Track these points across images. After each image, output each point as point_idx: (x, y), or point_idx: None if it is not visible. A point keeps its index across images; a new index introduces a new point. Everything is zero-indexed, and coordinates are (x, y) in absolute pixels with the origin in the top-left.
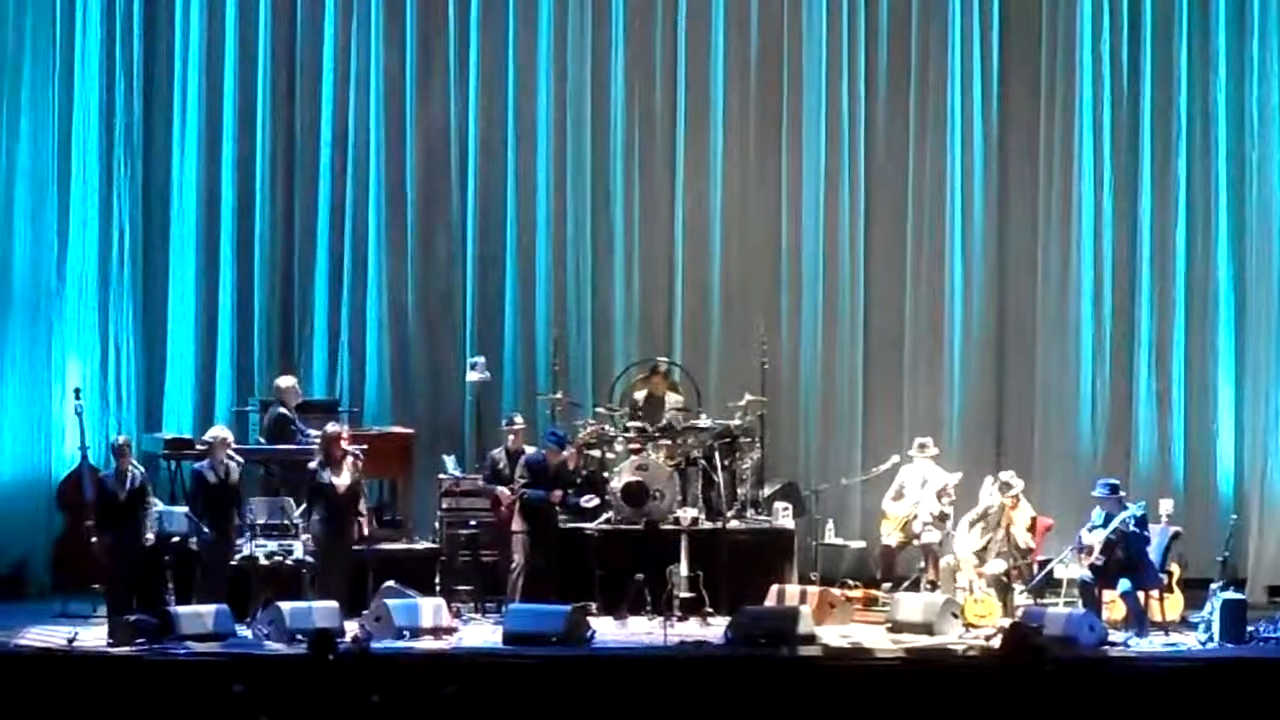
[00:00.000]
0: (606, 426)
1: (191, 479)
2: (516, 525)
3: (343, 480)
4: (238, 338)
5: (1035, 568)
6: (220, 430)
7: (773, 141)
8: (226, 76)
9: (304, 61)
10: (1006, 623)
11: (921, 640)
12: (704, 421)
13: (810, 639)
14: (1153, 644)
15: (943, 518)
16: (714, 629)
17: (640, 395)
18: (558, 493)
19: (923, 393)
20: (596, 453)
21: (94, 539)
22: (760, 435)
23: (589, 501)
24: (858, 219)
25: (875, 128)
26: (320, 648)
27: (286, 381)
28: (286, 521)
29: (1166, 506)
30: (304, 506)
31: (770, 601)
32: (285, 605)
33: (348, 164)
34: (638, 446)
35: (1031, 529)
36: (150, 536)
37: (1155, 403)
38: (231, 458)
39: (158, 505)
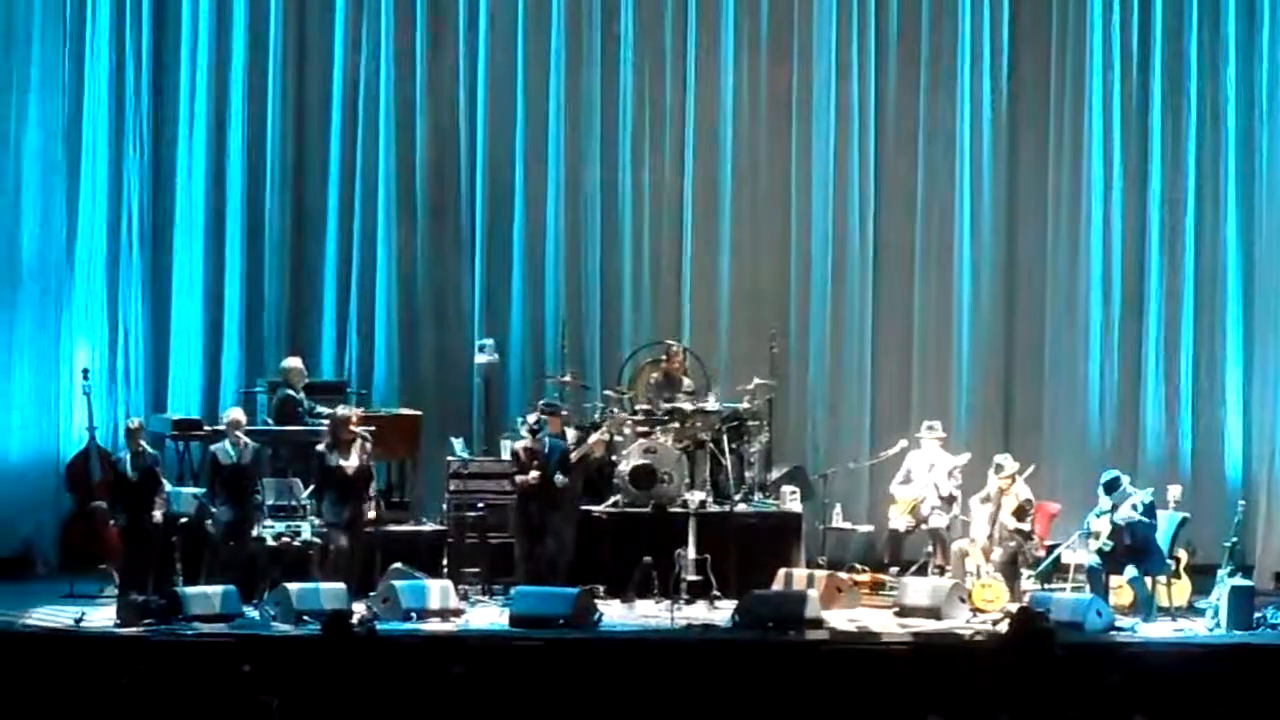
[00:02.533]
0: (615, 409)
1: (207, 459)
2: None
3: (351, 462)
4: (246, 319)
5: (1044, 552)
6: (234, 411)
7: (782, 125)
8: (235, 58)
9: (313, 42)
10: (1014, 607)
11: (929, 625)
12: (712, 405)
13: (817, 623)
14: (1160, 630)
15: (950, 500)
16: (721, 612)
17: (655, 378)
18: (528, 475)
19: (931, 377)
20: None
21: (112, 521)
22: (768, 419)
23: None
24: (867, 203)
25: (885, 112)
26: (334, 630)
27: (292, 363)
28: (294, 503)
29: (1175, 492)
30: (312, 488)
31: (777, 585)
32: (292, 586)
33: (357, 145)
34: (646, 430)
35: (1020, 513)
36: (159, 516)
37: (1164, 388)
38: (241, 438)
39: (166, 486)
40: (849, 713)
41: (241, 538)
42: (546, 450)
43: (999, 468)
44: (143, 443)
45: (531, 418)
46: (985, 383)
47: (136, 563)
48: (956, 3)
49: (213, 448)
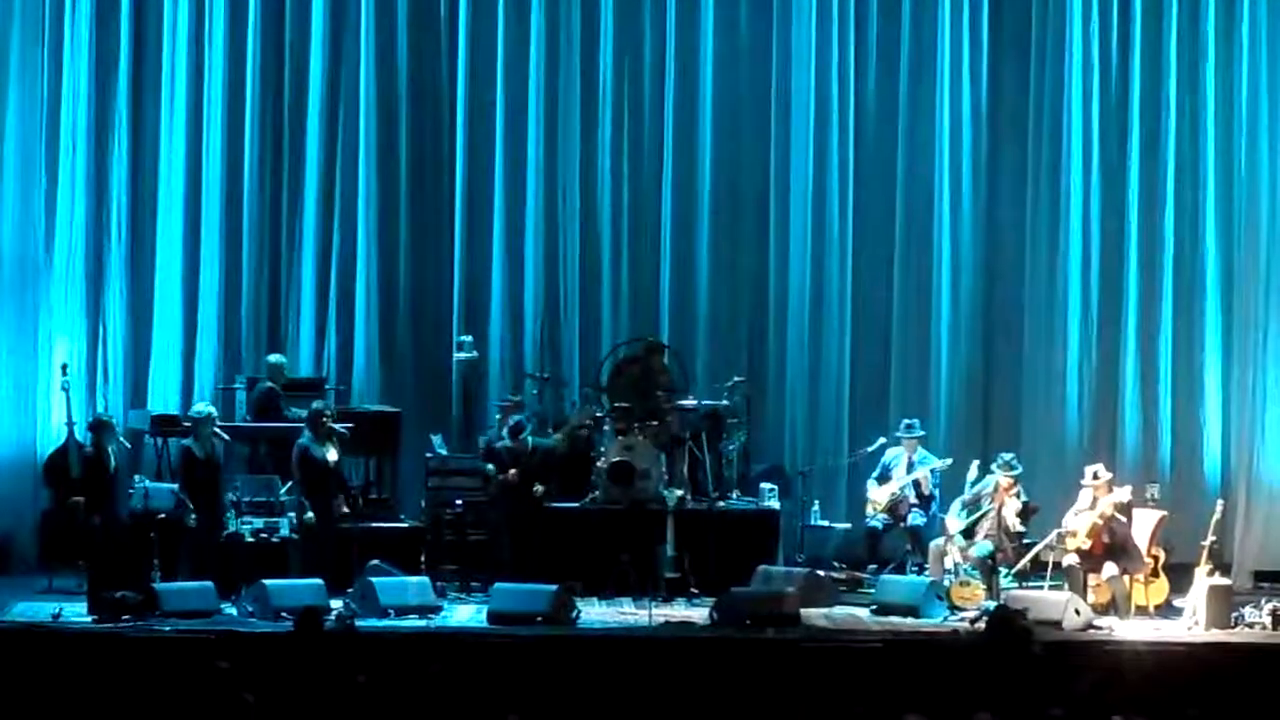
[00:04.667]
0: (593, 406)
1: (179, 456)
2: None
3: (331, 457)
4: (225, 315)
5: (1021, 551)
6: (205, 407)
7: (762, 122)
8: (215, 52)
9: (293, 38)
10: (992, 605)
11: (906, 622)
12: (691, 402)
13: (795, 620)
14: (1138, 629)
15: (928, 499)
16: (699, 610)
17: (634, 375)
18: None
19: (909, 375)
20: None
21: (87, 515)
22: (747, 416)
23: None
24: (846, 202)
25: (865, 111)
26: (306, 625)
27: (276, 359)
28: (272, 499)
29: (1153, 491)
30: (290, 483)
31: (756, 583)
32: (270, 582)
33: (336, 141)
34: (624, 427)
35: (1024, 514)
36: (125, 514)
37: (1142, 387)
38: (217, 434)
39: (145, 482)
40: (827, 710)
41: (211, 533)
42: (529, 451)
43: (1009, 465)
44: (120, 438)
45: (512, 420)
46: (963, 381)
47: (105, 558)
48: (936, 4)
49: (185, 443)
